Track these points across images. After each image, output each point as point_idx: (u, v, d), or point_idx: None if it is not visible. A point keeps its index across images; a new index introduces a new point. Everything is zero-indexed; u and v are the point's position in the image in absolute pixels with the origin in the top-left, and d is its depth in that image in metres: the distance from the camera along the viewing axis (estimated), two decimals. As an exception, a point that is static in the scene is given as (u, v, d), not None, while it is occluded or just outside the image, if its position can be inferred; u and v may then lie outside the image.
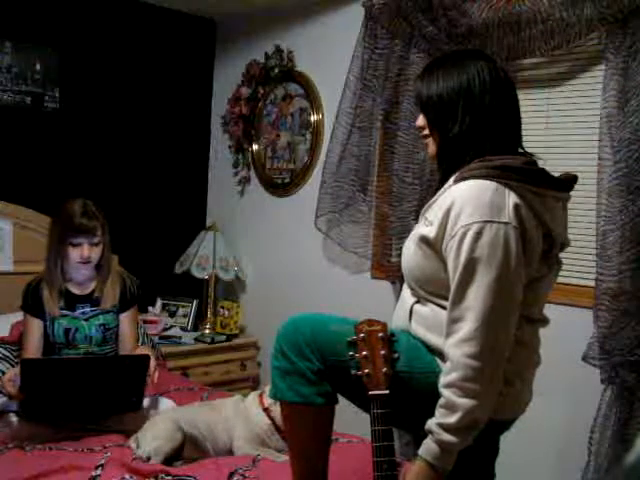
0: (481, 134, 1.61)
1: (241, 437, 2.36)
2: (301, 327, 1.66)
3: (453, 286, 1.53)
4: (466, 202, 1.52)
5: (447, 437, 1.50)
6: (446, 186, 1.63)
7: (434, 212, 1.61)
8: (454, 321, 1.52)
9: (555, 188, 1.61)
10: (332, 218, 3.24)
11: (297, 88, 3.60)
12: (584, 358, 2.38)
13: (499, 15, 2.59)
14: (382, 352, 1.57)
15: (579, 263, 2.58)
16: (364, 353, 1.57)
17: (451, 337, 1.52)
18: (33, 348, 2.58)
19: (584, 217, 2.51)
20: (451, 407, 1.50)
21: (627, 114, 2.31)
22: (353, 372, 1.58)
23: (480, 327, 1.48)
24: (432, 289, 1.63)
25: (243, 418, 2.40)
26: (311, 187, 3.47)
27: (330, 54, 3.39)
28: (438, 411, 1.53)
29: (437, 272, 1.60)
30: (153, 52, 3.78)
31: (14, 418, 2.35)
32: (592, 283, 2.43)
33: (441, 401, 1.52)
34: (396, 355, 1.59)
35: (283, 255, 3.67)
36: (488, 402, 1.51)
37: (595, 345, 2.36)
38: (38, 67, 3.34)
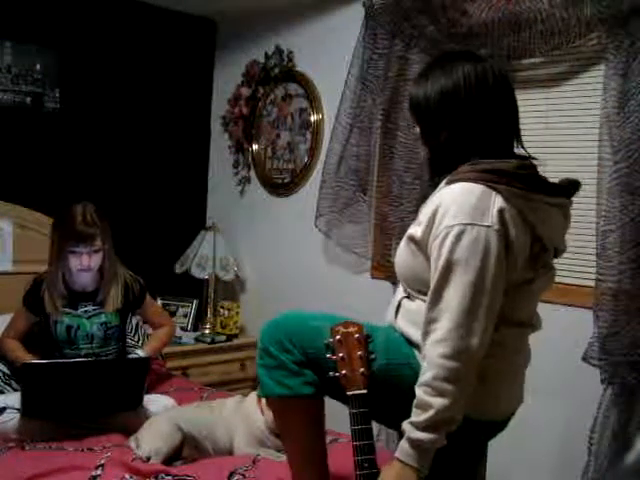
0: (470, 137, 1.61)
1: (241, 437, 2.36)
2: (282, 323, 1.70)
3: (432, 286, 1.55)
4: (451, 204, 1.54)
5: (419, 435, 1.51)
6: (438, 188, 1.65)
7: (424, 213, 1.63)
8: (430, 321, 1.54)
9: (547, 193, 1.60)
10: (332, 218, 3.24)
11: (297, 88, 3.60)
12: (584, 358, 2.38)
13: (499, 15, 2.59)
14: (359, 353, 1.59)
15: (579, 263, 2.58)
16: (341, 355, 1.59)
17: (428, 337, 1.54)
18: (14, 337, 2.63)
19: (584, 217, 2.50)
20: (423, 406, 1.52)
21: (627, 114, 2.30)
22: (331, 374, 1.60)
23: (454, 328, 1.50)
24: (419, 287, 1.65)
25: (243, 418, 2.40)
26: (311, 187, 3.47)
27: (330, 54, 3.39)
28: (412, 411, 1.55)
29: (423, 271, 1.62)
30: (153, 52, 3.78)
31: (15, 415, 2.35)
32: (592, 283, 2.43)
33: (415, 401, 1.54)
34: (373, 356, 1.61)
35: (283, 255, 3.67)
36: (460, 401, 1.52)
37: (595, 345, 2.36)
38: (38, 67, 3.34)
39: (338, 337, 1.60)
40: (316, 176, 3.40)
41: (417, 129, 1.73)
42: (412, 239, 1.64)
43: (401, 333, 1.69)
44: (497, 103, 1.63)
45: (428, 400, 1.51)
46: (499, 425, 1.72)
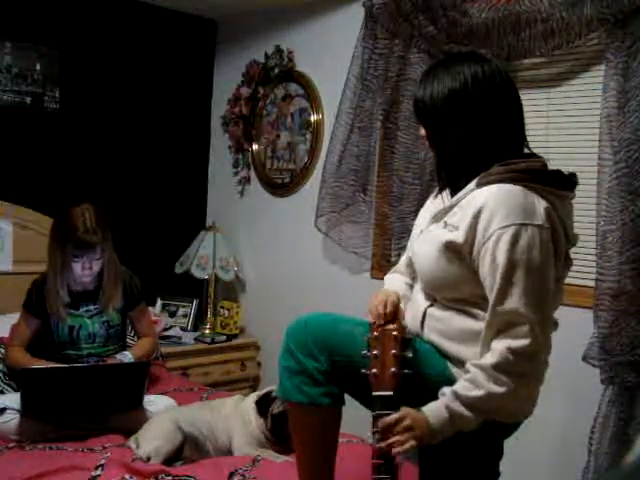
0: (479, 138, 1.60)
1: (240, 438, 2.36)
2: (311, 327, 1.65)
3: (494, 289, 1.51)
4: (498, 205, 1.52)
5: (459, 408, 1.49)
6: (466, 190, 1.61)
7: (458, 216, 1.59)
8: (499, 323, 1.51)
9: (570, 189, 1.63)
10: (332, 218, 3.24)
11: (297, 88, 3.60)
12: (584, 358, 2.38)
13: (499, 15, 2.59)
14: (393, 351, 1.54)
15: (579, 263, 2.57)
16: (375, 352, 1.55)
17: (496, 337, 1.51)
18: (20, 345, 2.61)
19: (584, 217, 2.50)
20: (477, 383, 1.50)
21: (627, 114, 2.30)
22: (362, 371, 1.56)
23: (528, 328, 1.48)
24: (454, 295, 1.62)
25: (242, 419, 2.40)
26: (311, 187, 3.47)
27: (330, 54, 3.39)
28: (460, 383, 1.52)
29: (461, 278, 1.59)
30: (153, 52, 3.78)
31: (15, 415, 2.35)
32: (592, 283, 2.43)
33: (467, 375, 1.52)
34: (410, 355, 1.56)
35: (283, 255, 3.67)
36: (510, 396, 1.50)
37: (595, 345, 2.36)
38: (38, 67, 3.34)
39: (376, 333, 1.56)
40: (316, 176, 3.40)
41: (422, 131, 1.70)
42: (449, 246, 1.58)
43: (434, 344, 1.65)
44: (505, 103, 1.62)
45: (482, 382, 1.49)
46: (521, 423, 1.72)
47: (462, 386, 1.51)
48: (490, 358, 1.50)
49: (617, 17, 2.32)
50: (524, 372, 1.50)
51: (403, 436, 1.48)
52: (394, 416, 1.49)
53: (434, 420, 1.50)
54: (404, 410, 1.51)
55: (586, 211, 2.50)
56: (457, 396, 1.50)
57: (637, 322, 2.31)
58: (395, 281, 1.86)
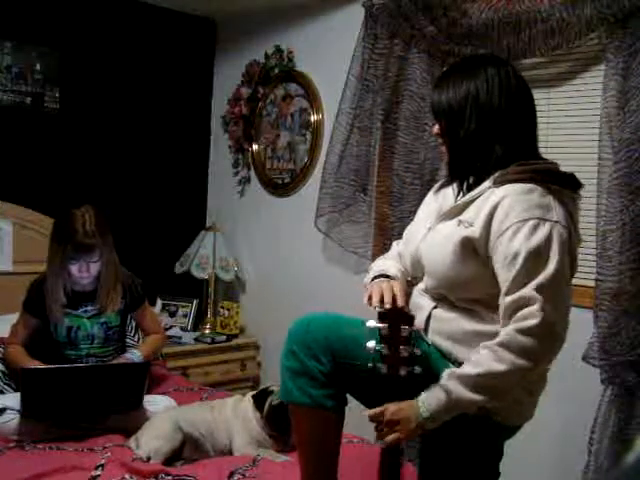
0: (490, 139, 1.61)
1: (240, 437, 2.36)
2: (313, 327, 1.64)
3: (510, 277, 1.51)
4: (515, 202, 1.53)
5: (455, 385, 1.50)
6: (482, 188, 1.62)
7: (473, 213, 1.60)
8: (511, 310, 1.51)
9: (577, 191, 1.65)
10: (332, 218, 3.24)
11: (297, 88, 3.60)
12: (584, 358, 2.38)
13: (499, 15, 2.59)
14: (402, 351, 1.50)
15: (579, 263, 2.57)
16: (385, 351, 1.50)
17: (510, 322, 1.51)
18: (18, 344, 2.62)
19: (584, 217, 2.50)
20: (476, 362, 1.51)
21: (627, 114, 2.31)
22: (368, 366, 1.53)
23: (537, 309, 1.48)
24: (467, 295, 1.61)
25: (242, 419, 2.40)
26: (311, 187, 3.47)
27: (330, 54, 3.39)
28: (462, 366, 1.53)
29: (476, 277, 1.59)
30: (153, 52, 3.78)
31: (15, 415, 2.35)
32: (592, 283, 2.43)
33: (474, 357, 1.52)
34: (418, 352, 1.53)
35: (283, 255, 3.67)
36: (513, 378, 1.50)
37: (595, 345, 2.36)
38: (38, 67, 3.34)
39: (385, 331, 1.52)
40: (316, 176, 3.39)
41: (435, 129, 1.72)
42: (465, 243, 1.58)
43: (435, 347, 1.64)
44: (519, 105, 1.64)
45: (484, 360, 1.49)
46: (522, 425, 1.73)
47: (463, 365, 1.53)
48: (497, 338, 1.51)
49: (617, 17, 2.32)
50: (529, 351, 1.48)
51: (387, 429, 1.51)
52: (378, 409, 1.51)
53: (424, 400, 1.51)
54: (393, 404, 1.51)
55: (586, 211, 2.49)
56: (453, 374, 1.52)
57: (637, 322, 2.31)
58: (391, 267, 1.82)
